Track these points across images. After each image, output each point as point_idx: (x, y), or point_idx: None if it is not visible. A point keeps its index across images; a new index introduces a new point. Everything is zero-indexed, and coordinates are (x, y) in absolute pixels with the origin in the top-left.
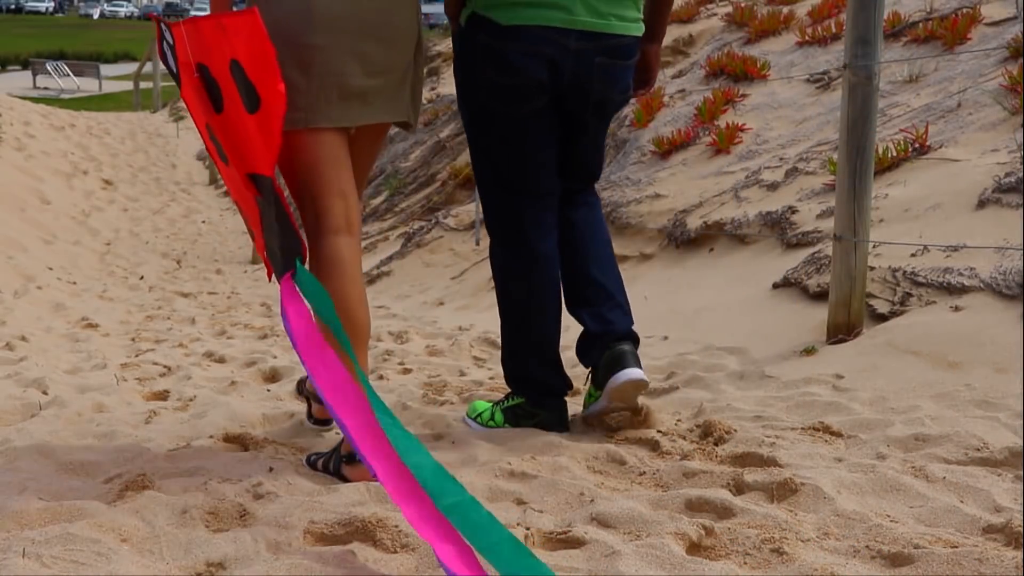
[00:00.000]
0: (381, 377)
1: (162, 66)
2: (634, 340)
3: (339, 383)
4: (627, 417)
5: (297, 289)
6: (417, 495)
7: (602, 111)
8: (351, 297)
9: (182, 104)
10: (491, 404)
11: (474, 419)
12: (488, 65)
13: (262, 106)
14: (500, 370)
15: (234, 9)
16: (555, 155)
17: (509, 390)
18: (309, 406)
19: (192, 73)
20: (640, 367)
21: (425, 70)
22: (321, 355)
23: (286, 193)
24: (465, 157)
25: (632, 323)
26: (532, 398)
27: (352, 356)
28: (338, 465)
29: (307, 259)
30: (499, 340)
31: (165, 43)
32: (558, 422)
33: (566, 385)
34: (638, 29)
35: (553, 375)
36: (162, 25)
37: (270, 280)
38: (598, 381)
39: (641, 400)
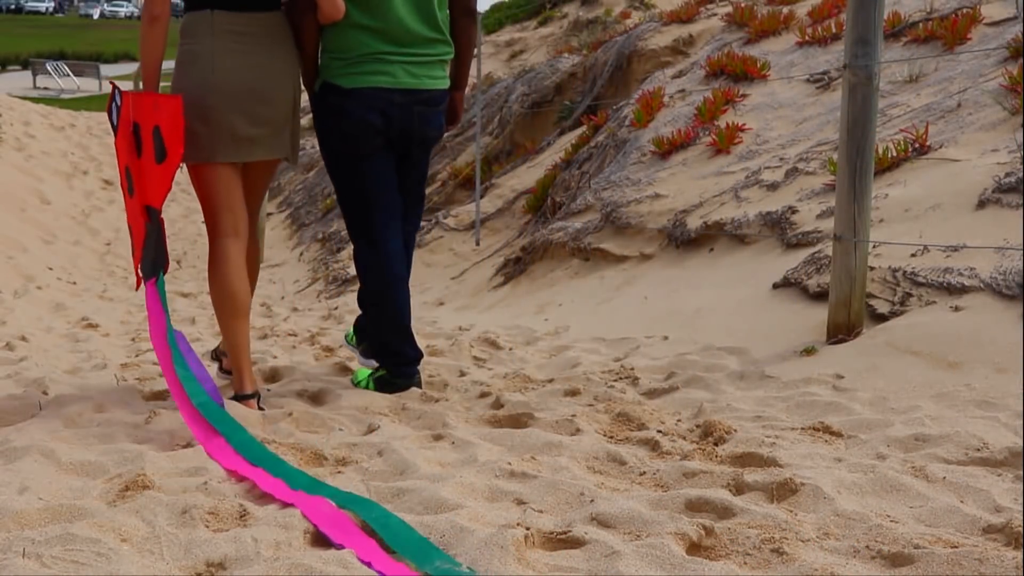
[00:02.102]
0: None
1: (164, 66)
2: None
3: (170, 366)
4: None
5: (155, 294)
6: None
7: (424, 145)
8: (233, 281)
9: None
10: (369, 373)
11: (355, 384)
12: (337, 118)
13: (167, 159)
14: (502, 369)
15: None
16: (394, 180)
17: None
18: (220, 362)
19: (128, 127)
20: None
21: None
22: (164, 344)
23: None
24: (465, 157)
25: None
26: (392, 369)
27: (173, 345)
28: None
29: (168, 270)
30: (499, 340)
31: (115, 103)
32: (412, 386)
33: (418, 355)
34: (445, 84)
35: (407, 346)
36: (116, 91)
37: (137, 289)
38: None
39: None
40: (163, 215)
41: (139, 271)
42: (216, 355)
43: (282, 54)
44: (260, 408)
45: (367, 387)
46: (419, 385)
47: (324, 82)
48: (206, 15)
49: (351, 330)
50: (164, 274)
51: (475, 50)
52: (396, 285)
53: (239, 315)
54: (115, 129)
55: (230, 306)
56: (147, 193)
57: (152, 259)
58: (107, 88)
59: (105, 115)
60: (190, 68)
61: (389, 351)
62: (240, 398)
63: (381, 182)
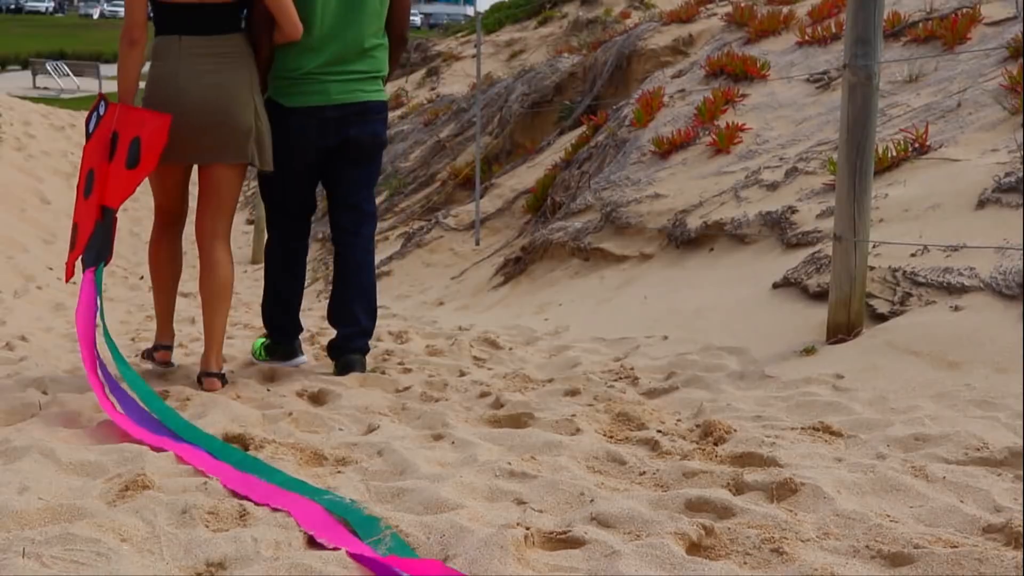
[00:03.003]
0: (383, 373)
1: None
2: (365, 351)
3: (91, 352)
4: None
5: (92, 280)
6: (149, 422)
7: (362, 150)
8: (163, 262)
9: None
10: (261, 342)
11: (253, 354)
12: (277, 131)
13: (139, 167)
14: (502, 369)
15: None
16: (313, 192)
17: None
18: (152, 358)
19: (106, 134)
20: (363, 370)
21: (424, 71)
22: (88, 332)
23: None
24: (465, 157)
25: (368, 340)
26: (275, 337)
27: (106, 332)
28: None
29: (110, 262)
30: (499, 340)
31: (97, 112)
32: (290, 354)
33: (297, 330)
34: (379, 95)
35: (289, 323)
36: (103, 101)
37: (67, 280)
38: (335, 371)
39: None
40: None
41: (75, 264)
42: (147, 354)
43: (242, 71)
44: (171, 363)
45: (259, 356)
46: (297, 355)
47: (269, 97)
48: (175, 40)
49: (258, 348)
50: (105, 265)
51: (401, 62)
52: (288, 279)
53: (169, 289)
54: (89, 136)
55: (161, 281)
56: (107, 194)
57: (97, 250)
58: (107, 88)
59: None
60: (161, 86)
61: (274, 324)
62: (158, 348)
63: (301, 187)
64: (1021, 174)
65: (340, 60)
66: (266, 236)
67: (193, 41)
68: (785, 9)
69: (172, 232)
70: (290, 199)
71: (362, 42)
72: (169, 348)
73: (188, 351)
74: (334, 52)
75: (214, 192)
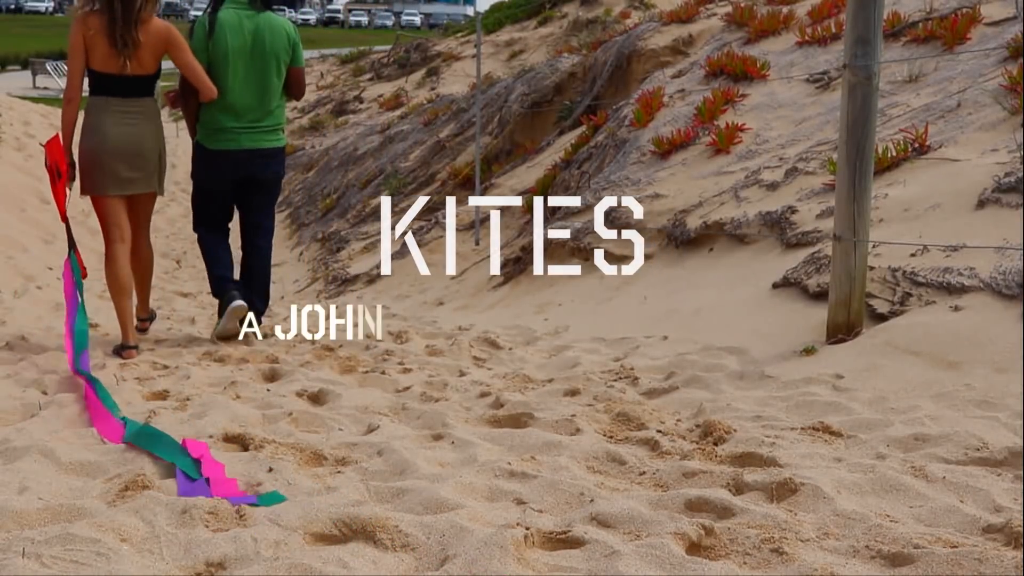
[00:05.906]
0: (383, 373)
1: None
2: (257, 310)
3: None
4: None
5: (69, 265)
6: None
7: (263, 184)
8: (122, 273)
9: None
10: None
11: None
12: (203, 165)
13: (61, 179)
14: (502, 369)
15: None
16: (230, 208)
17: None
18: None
19: (51, 167)
20: (244, 304)
21: (424, 71)
22: (71, 305)
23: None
24: (465, 157)
25: (263, 304)
26: (220, 297)
27: (82, 299)
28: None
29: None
30: (499, 340)
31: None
32: (232, 300)
33: (235, 287)
34: (279, 142)
35: (227, 282)
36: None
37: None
38: (221, 312)
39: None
40: (165, 213)
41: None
42: (116, 351)
43: (152, 125)
44: (136, 348)
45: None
46: (238, 298)
47: (197, 142)
48: (103, 99)
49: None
50: (74, 253)
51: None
52: (217, 250)
53: (126, 295)
54: (45, 163)
55: (121, 289)
56: (59, 205)
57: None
58: None
59: None
60: (91, 135)
61: (217, 285)
62: (124, 348)
63: (221, 204)
64: (1021, 174)
65: (248, 119)
66: (196, 236)
67: (116, 101)
68: (785, 9)
69: (123, 249)
70: (213, 211)
71: (264, 105)
72: (136, 348)
73: (188, 351)
74: (243, 113)
75: (136, 211)
